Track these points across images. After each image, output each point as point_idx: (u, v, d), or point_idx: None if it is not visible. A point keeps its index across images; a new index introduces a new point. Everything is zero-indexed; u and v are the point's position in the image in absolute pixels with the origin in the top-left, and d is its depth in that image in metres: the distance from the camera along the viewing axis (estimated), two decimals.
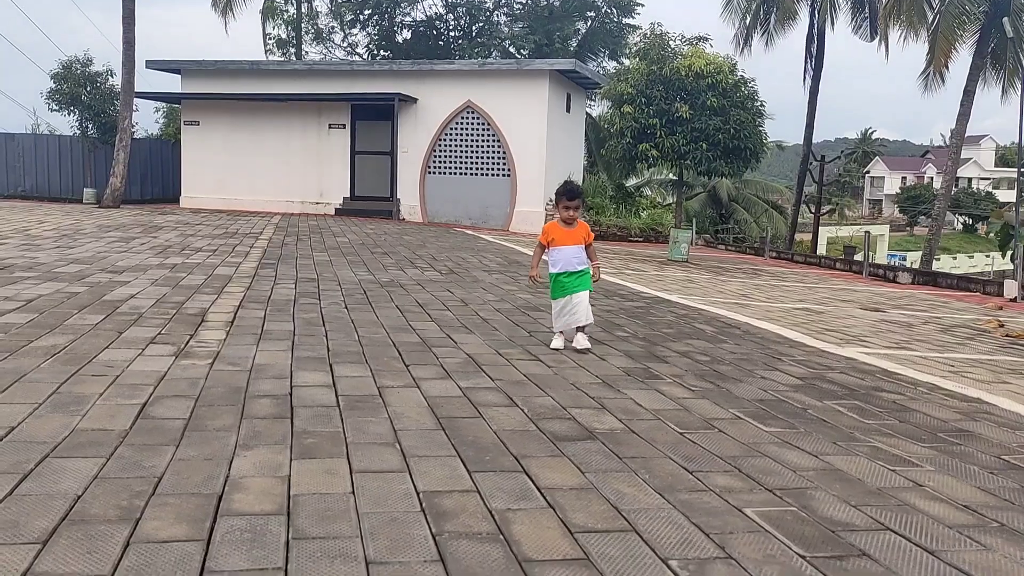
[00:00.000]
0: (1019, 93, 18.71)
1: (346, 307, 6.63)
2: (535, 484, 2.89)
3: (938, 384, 4.99)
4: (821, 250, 52.18)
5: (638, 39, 14.82)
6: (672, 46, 14.36)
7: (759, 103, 13.96)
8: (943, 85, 21.90)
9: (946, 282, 13.90)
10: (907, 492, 3.02)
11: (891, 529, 2.65)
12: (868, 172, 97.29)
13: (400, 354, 4.94)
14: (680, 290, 9.70)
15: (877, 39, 25.10)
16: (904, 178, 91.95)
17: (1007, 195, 74.57)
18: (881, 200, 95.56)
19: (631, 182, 33.87)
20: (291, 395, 3.88)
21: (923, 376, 5.22)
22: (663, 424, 3.75)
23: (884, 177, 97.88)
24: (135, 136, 23.06)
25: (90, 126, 23.67)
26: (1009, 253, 16.97)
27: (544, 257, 5.45)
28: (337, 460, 3.03)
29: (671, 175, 16.77)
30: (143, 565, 2.13)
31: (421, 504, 2.65)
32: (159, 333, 5.17)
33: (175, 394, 3.78)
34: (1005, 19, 15.72)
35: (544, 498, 2.76)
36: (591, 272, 5.34)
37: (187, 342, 4.94)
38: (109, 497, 2.56)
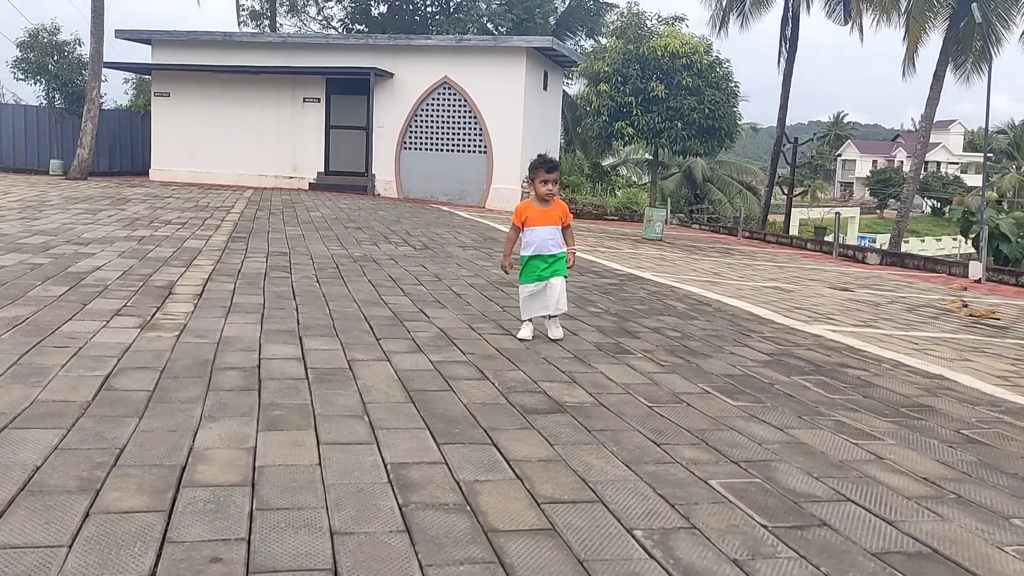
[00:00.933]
0: (985, 78, 18.91)
1: (318, 281, 6.58)
2: (503, 456, 2.89)
3: (902, 361, 5.07)
4: (793, 231, 52.62)
5: (615, 18, 14.69)
6: (649, 26, 14.30)
7: (733, 84, 13.98)
8: (915, 71, 22.06)
9: (913, 263, 14.10)
10: (868, 465, 3.06)
11: (851, 500, 2.69)
12: (840, 155, 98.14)
13: (371, 328, 4.91)
14: (653, 268, 9.74)
15: (851, 23, 25.19)
16: (875, 161, 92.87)
17: (975, 179, 75.62)
18: (852, 183, 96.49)
19: (607, 161, 33.85)
20: (259, 367, 3.85)
21: (888, 353, 5.29)
22: (632, 398, 3.77)
23: (855, 160, 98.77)
24: (104, 107, 22.60)
25: (57, 96, 23.15)
26: (972, 237, 17.26)
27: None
28: (304, 432, 3.01)
29: (647, 154, 16.76)
30: (103, 535, 2.11)
31: (388, 475, 2.65)
32: (124, 305, 5.09)
33: (139, 366, 3.73)
34: (974, 4, 15.85)
35: (512, 470, 2.77)
36: (567, 257, 4.84)
37: (153, 314, 4.88)
38: (69, 468, 2.53)
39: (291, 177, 21.55)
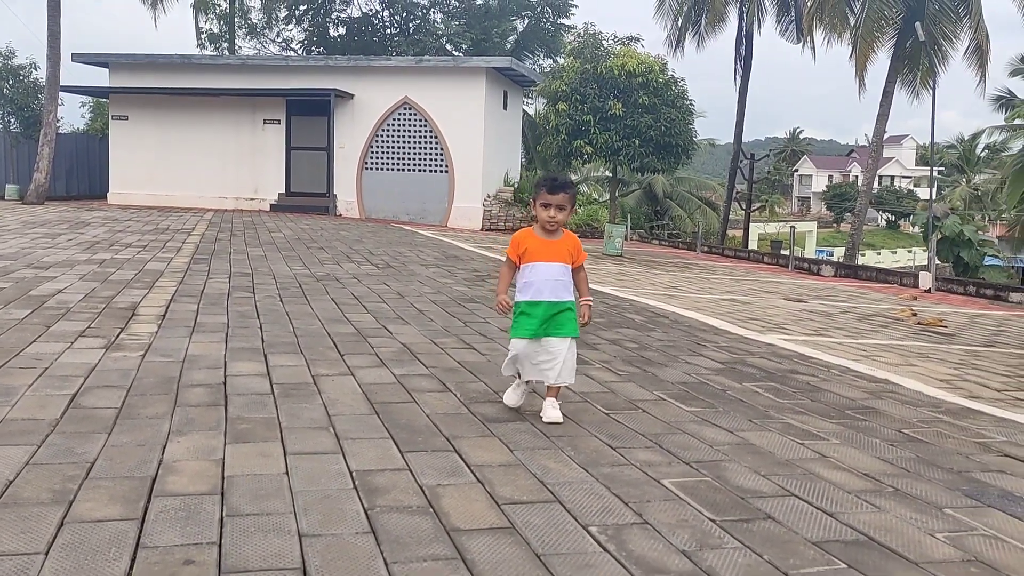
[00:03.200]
0: (931, 94, 19.58)
1: (281, 300, 6.64)
2: (465, 462, 3.01)
3: (850, 367, 5.29)
4: (752, 245, 53.54)
5: (572, 39, 14.99)
6: (605, 45, 14.62)
7: (688, 101, 14.32)
8: (865, 88, 22.75)
9: (866, 275, 14.52)
10: (813, 463, 3.23)
11: (795, 495, 2.85)
12: (797, 170, 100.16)
13: (335, 344, 5.00)
14: (613, 282, 9.93)
15: (802, 42, 25.92)
16: (831, 176, 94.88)
17: (927, 192, 77.66)
18: (809, 197, 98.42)
19: (573, 177, 34.12)
20: (225, 384, 3.92)
21: (837, 360, 5.51)
22: (590, 405, 3.91)
23: (812, 175, 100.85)
24: (61, 131, 22.34)
25: (12, 120, 22.84)
26: (938, 240, 17.77)
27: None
28: (271, 444, 3.09)
29: (607, 172, 17.06)
30: (78, 542, 2.18)
31: (354, 482, 2.75)
32: (88, 327, 5.12)
33: (106, 384, 3.78)
34: (917, 24, 16.47)
35: (473, 474, 2.88)
36: (577, 310, 3.59)
37: (118, 335, 4.91)
38: (42, 481, 2.59)
39: (252, 199, 21.46)
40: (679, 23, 30.82)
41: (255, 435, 3.18)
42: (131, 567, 2.06)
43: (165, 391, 3.73)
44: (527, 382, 3.68)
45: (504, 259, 3.73)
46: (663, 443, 3.37)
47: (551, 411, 3.55)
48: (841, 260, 25.80)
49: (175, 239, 11.44)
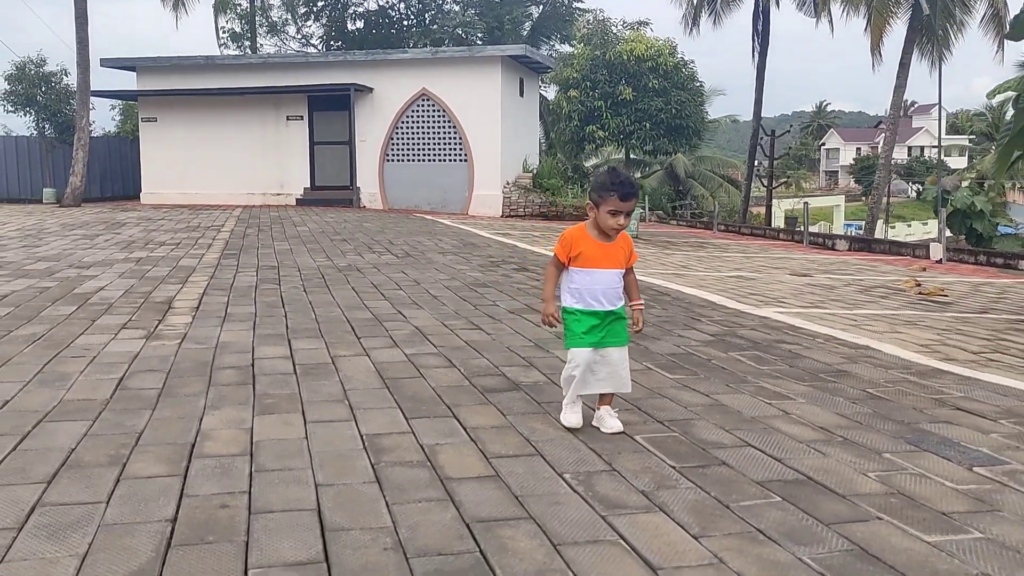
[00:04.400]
0: (952, 63, 19.49)
1: (304, 290, 7.09)
2: (462, 425, 3.42)
3: (835, 335, 5.61)
4: (778, 223, 53.36)
5: (582, 26, 15.26)
6: (615, 32, 14.87)
7: (699, 83, 14.55)
8: (881, 60, 22.70)
9: (880, 248, 14.69)
10: (775, 419, 3.60)
11: (752, 445, 3.23)
12: (824, 144, 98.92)
13: (353, 328, 5.44)
14: None
15: (817, 16, 25.85)
16: (858, 149, 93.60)
17: (959, 161, 76.47)
18: (837, 171, 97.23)
19: (590, 162, 34.38)
20: (253, 366, 4.37)
21: (824, 329, 5.84)
22: None
23: (839, 149, 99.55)
24: (93, 134, 23.07)
25: (47, 126, 23.62)
26: (948, 213, 17.83)
27: (564, 283, 3.40)
28: (293, 415, 3.53)
29: (619, 155, 17.33)
30: (133, 494, 2.63)
31: (364, 443, 3.17)
32: (130, 319, 5.60)
33: (148, 369, 4.25)
34: None
35: (468, 435, 3.30)
36: (629, 314, 3.42)
37: (156, 326, 5.39)
38: (99, 449, 3.05)
39: (278, 194, 22.04)
40: (694, 1, 30.83)
41: (279, 408, 3.62)
42: (177, 511, 2.50)
43: (200, 373, 4.19)
44: (577, 398, 3.43)
45: (552, 260, 3.41)
46: (642, 406, 3.75)
47: (611, 420, 3.36)
48: (860, 233, 25.72)
49: (206, 236, 11.98)
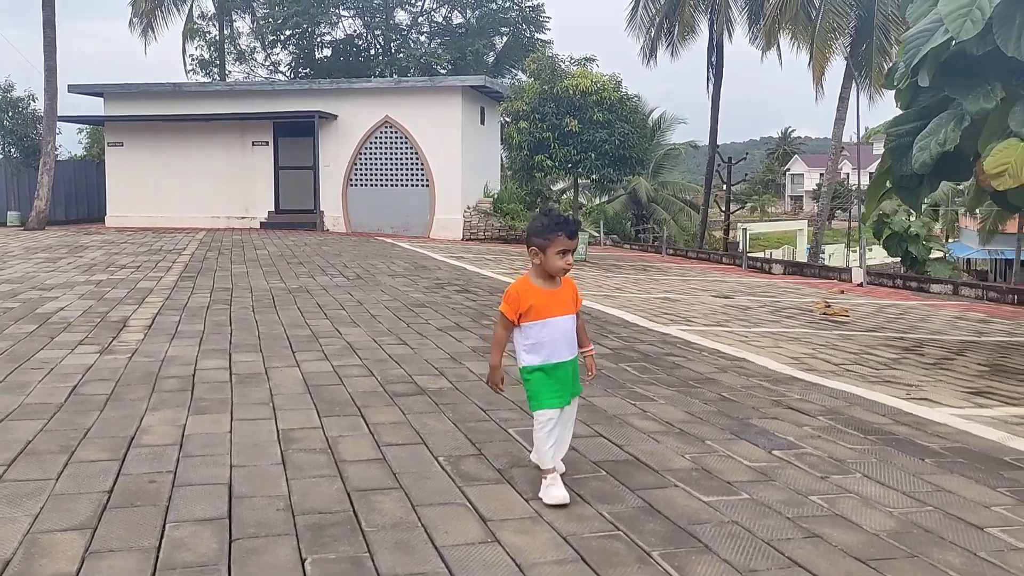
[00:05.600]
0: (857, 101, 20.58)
1: (253, 310, 7.68)
2: (365, 422, 4.05)
3: (720, 349, 6.33)
4: (742, 247, 54.48)
5: (532, 61, 16.10)
6: (563, 67, 15.72)
7: (642, 116, 15.42)
8: (823, 94, 23.87)
9: (811, 271, 15.57)
10: (632, 416, 4.27)
11: (602, 436, 3.89)
12: (788, 170, 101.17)
13: (290, 344, 6.05)
14: None
15: (763, 51, 27.03)
16: (821, 174, 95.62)
17: None
18: (802, 196, 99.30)
19: (557, 186, 35.21)
20: (194, 376, 4.97)
21: (713, 344, 6.55)
22: (482, 384, 4.94)
23: (803, 174, 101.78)
24: (59, 158, 23.45)
25: (13, 150, 23.95)
26: (886, 236, 18.75)
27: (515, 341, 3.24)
28: (222, 415, 4.14)
29: (569, 183, 18.15)
30: (78, 473, 3.23)
31: (278, 436, 3.79)
32: (86, 336, 6.17)
33: (100, 379, 4.84)
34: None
35: (368, 428, 3.93)
36: (582, 361, 3.34)
37: (110, 342, 5.96)
38: (52, 440, 3.64)
39: (243, 217, 22.54)
40: (651, 34, 31.97)
41: (211, 409, 4.22)
42: (113, 485, 3.11)
43: (146, 382, 4.78)
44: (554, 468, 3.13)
45: (499, 319, 3.21)
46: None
47: (558, 491, 3.04)
48: (833, 257, 26.62)
49: (166, 259, 12.50)
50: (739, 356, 6.07)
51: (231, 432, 3.84)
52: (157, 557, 2.52)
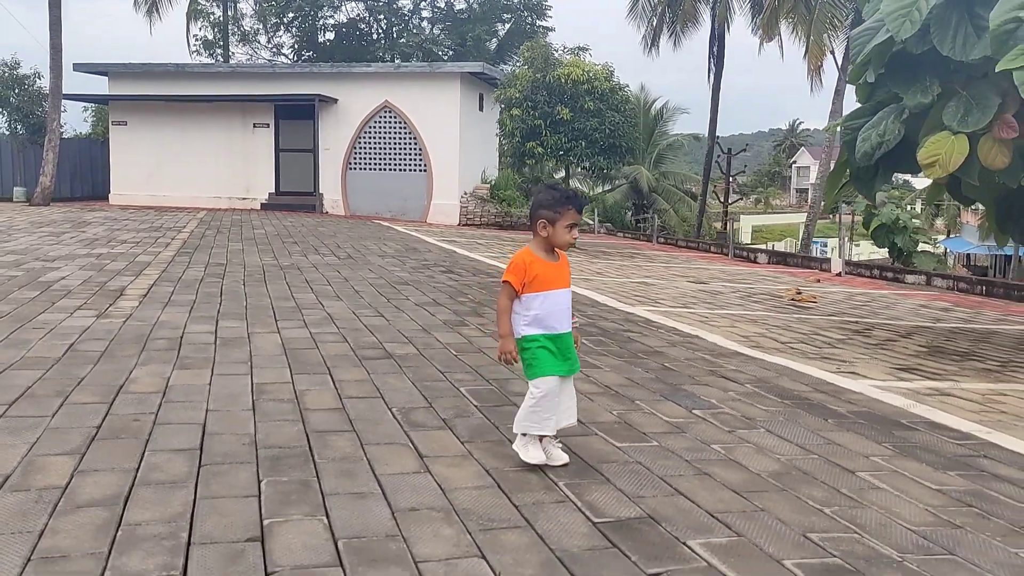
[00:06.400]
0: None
1: (243, 284, 8.11)
2: (332, 380, 4.48)
3: (677, 328, 6.74)
4: (745, 239, 54.90)
5: (526, 50, 16.44)
6: (556, 56, 16.06)
7: (632, 106, 15.78)
8: (821, 86, 24.14)
9: (794, 261, 15.96)
10: (579, 382, 4.68)
11: None
12: (794, 162, 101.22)
13: (274, 313, 6.48)
14: None
15: (761, 41, 27.29)
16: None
17: (920, 180, 78.61)
18: (808, 189, 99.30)
19: (560, 175, 35.54)
20: (182, 338, 5.40)
21: (672, 323, 6.96)
22: (446, 351, 5.37)
23: (810, 167, 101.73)
24: (64, 136, 23.86)
25: (19, 127, 24.36)
26: (874, 228, 19.06)
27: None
28: (204, 370, 4.57)
29: (561, 170, 18.52)
30: (72, 412, 3.66)
31: (252, 388, 4.22)
32: (84, 303, 6.60)
33: (95, 338, 5.27)
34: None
35: (334, 384, 4.36)
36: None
37: (107, 308, 6.39)
38: (49, 386, 4.07)
39: (244, 198, 22.96)
40: (653, 23, 32.23)
41: (194, 366, 4.66)
42: (102, 422, 3.54)
43: (137, 342, 5.21)
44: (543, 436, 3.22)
45: (503, 288, 3.21)
46: (481, 371, 4.83)
47: (558, 451, 3.28)
48: (836, 251, 27.03)
49: (166, 236, 12.93)
50: (693, 333, 6.48)
51: (210, 384, 4.27)
52: (135, 476, 2.95)
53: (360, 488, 2.93)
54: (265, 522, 2.61)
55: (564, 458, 3.26)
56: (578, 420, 3.46)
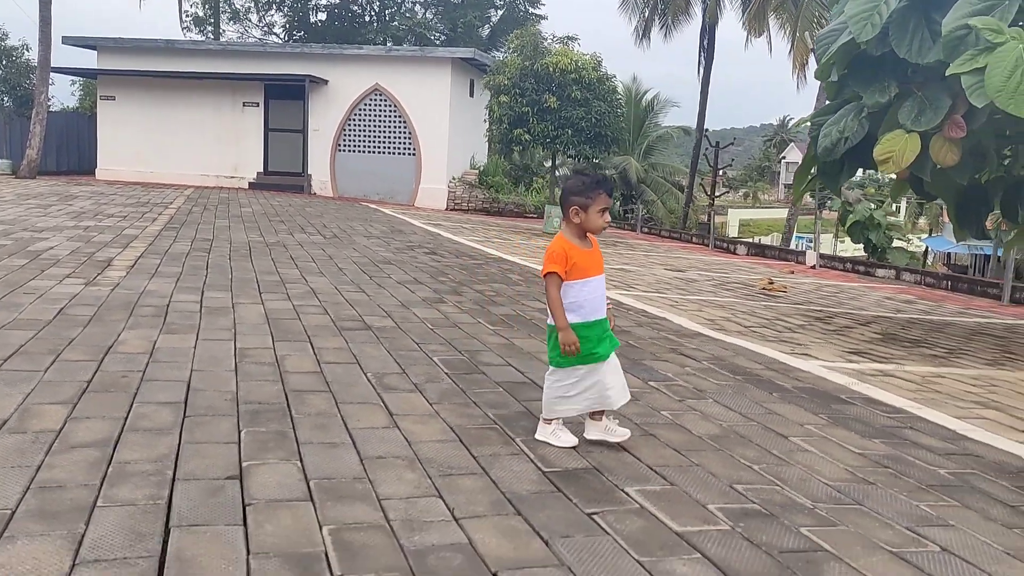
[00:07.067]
0: None
1: (229, 258, 8.33)
2: (312, 346, 4.74)
3: (646, 310, 7.03)
4: (732, 232, 55.38)
5: (515, 38, 16.64)
6: (545, 44, 16.27)
7: (619, 97, 16.01)
8: (806, 83, 24.44)
9: (771, 253, 16.31)
10: (542, 354, 4.89)
11: (511, 365, 4.59)
12: (784, 158, 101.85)
13: (259, 286, 6.71)
14: (525, 254, 11.64)
15: (747, 37, 27.57)
16: None
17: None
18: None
19: (549, 162, 35.76)
20: (168, 307, 5.63)
21: (642, 306, 7.25)
22: (423, 324, 5.64)
23: (798, 163, 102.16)
24: (52, 109, 23.83)
25: (6, 98, 24.32)
26: (849, 225, 19.43)
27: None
28: (189, 335, 4.81)
29: (547, 159, 18.75)
30: (64, 368, 3.90)
31: (235, 352, 4.47)
32: (73, 272, 6.81)
33: (84, 304, 5.50)
34: None
35: (313, 351, 4.62)
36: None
37: (95, 277, 6.61)
38: (41, 346, 4.31)
39: (232, 177, 23.07)
40: (645, 14, 32.44)
41: (180, 331, 4.90)
42: (92, 376, 3.79)
43: (125, 309, 5.44)
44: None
45: (548, 278, 3.25)
46: (453, 343, 5.10)
47: (616, 428, 3.33)
48: (819, 247, 27.48)
49: (153, 211, 13.09)
50: (660, 316, 6.77)
51: (195, 348, 4.51)
52: (124, 423, 3.20)
53: (333, 439, 3.19)
54: (244, 464, 2.88)
55: (626, 433, 3.28)
56: (540, 386, 3.73)
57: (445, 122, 22.18)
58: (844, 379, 4.84)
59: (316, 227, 12.56)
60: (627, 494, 2.82)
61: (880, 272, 13.42)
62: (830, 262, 14.71)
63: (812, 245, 37.87)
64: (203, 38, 30.53)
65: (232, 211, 14.26)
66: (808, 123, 7.60)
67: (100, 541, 2.26)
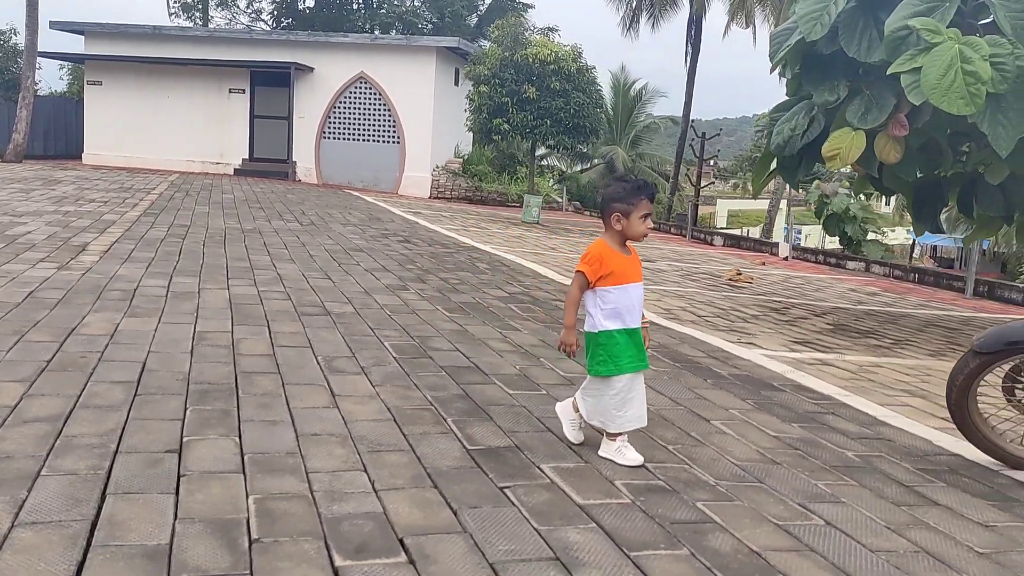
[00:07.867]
0: None
1: (203, 245, 8.49)
2: (269, 331, 4.92)
3: None
4: (721, 223, 55.65)
5: (496, 28, 16.76)
6: (525, 35, 16.41)
7: (599, 88, 16.20)
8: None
9: (746, 244, 16.54)
10: (493, 341, 5.16)
11: (459, 351, 4.79)
12: None
13: (228, 272, 6.88)
14: (498, 243, 11.83)
15: (727, 26, 27.74)
16: None
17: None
18: None
19: (540, 152, 35.92)
20: (135, 291, 5.80)
21: None
22: (381, 311, 5.82)
23: None
24: (39, 93, 23.82)
25: None
26: (825, 217, 19.63)
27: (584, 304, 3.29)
28: (152, 319, 4.99)
29: (527, 148, 18.91)
30: (26, 349, 4.08)
31: (194, 335, 4.66)
32: (47, 256, 6.97)
33: (55, 287, 5.66)
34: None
35: (269, 335, 4.80)
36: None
37: (68, 262, 6.77)
38: (7, 327, 4.48)
39: (217, 163, 23.15)
40: (632, 4, 32.55)
41: (143, 315, 5.07)
42: (52, 357, 3.97)
43: (93, 293, 5.61)
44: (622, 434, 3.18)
45: (575, 278, 3.22)
46: (408, 329, 5.29)
47: (633, 453, 3.17)
48: (810, 238, 27.77)
49: (135, 197, 13.21)
50: None
51: (155, 331, 4.69)
52: (77, 400, 3.39)
53: (273, 417, 3.39)
54: (184, 439, 3.07)
55: (639, 458, 3.15)
56: (484, 371, 3.93)
57: (429, 111, 22.29)
58: (781, 367, 5.06)
59: (295, 214, 12.70)
60: (541, 470, 3.02)
61: (851, 264, 13.67)
62: (803, 254, 14.95)
63: (803, 239, 38.05)
64: (191, 24, 30.49)
65: (214, 197, 14.39)
66: (768, 117, 7.80)
67: (40, 506, 2.45)
